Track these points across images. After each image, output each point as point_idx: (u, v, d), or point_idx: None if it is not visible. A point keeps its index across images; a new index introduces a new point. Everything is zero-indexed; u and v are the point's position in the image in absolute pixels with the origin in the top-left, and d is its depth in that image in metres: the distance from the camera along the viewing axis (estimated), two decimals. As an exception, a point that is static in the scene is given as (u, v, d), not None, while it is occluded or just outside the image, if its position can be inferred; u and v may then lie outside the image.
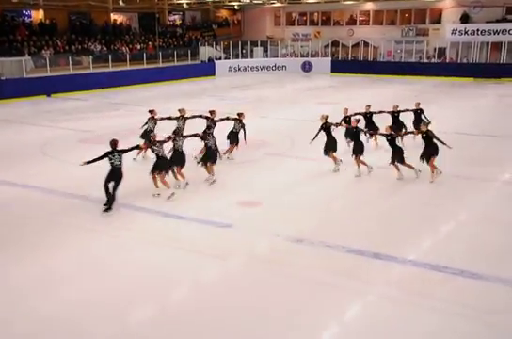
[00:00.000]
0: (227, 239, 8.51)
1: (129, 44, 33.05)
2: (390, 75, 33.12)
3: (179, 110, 13.67)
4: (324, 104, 18.51)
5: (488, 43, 32.49)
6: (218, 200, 10.39)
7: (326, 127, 12.24)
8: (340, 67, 35.39)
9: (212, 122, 12.67)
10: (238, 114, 13.11)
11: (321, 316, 6.36)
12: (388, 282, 7.18)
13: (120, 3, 30.56)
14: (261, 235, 8.67)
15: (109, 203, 9.68)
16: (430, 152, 11.33)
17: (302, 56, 37.72)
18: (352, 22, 38.96)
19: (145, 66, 30.58)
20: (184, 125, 13.55)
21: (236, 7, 40.18)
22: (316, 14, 40.30)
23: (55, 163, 13.38)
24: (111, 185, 9.75)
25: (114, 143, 10.08)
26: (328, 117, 12.28)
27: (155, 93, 26.78)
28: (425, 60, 34.27)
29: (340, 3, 36.36)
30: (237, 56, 36.46)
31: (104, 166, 10.00)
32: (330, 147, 12.32)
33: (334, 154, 12.38)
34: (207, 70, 34.23)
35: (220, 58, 36.19)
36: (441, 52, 34.06)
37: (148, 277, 7.27)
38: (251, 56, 37.01)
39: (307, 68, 36.49)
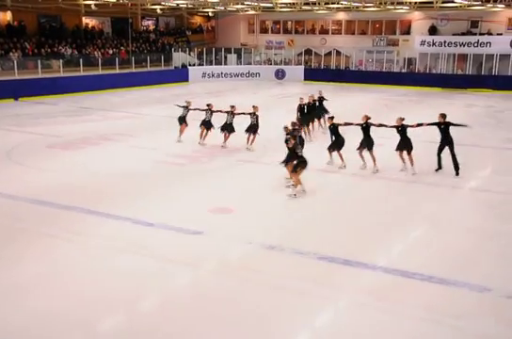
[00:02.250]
0: (198, 246, 8.41)
1: (101, 49, 32.72)
2: (361, 84, 33.52)
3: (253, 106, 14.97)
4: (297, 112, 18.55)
5: (454, 55, 33.36)
6: (190, 206, 10.29)
7: (333, 128, 12.85)
8: (313, 75, 35.70)
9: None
10: (253, 107, 14.82)
11: (292, 324, 6.32)
12: (358, 288, 7.18)
13: (93, 7, 30.25)
14: (232, 243, 8.60)
15: None
16: (405, 145, 12.43)
17: (276, 63, 37.91)
18: (325, 31, 39.37)
19: (117, 71, 30.29)
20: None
21: (210, 13, 40.22)
22: (290, 23, 40.59)
23: (21, 169, 13.04)
24: None
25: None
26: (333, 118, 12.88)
27: (127, 99, 26.55)
28: (396, 70, 34.83)
29: (313, 12, 36.71)
30: (211, 63, 36.42)
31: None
32: (336, 146, 12.91)
33: (341, 152, 12.87)
34: (180, 76, 34.08)
35: (194, 65, 36.10)
36: (410, 62, 34.69)
37: (116, 286, 7.11)
38: (225, 63, 37.01)
39: (280, 75, 36.69)
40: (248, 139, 14.97)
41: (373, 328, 6.25)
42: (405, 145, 12.53)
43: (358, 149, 12.88)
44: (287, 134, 11.56)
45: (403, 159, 12.70)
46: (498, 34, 33.25)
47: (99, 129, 17.92)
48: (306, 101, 16.95)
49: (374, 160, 12.71)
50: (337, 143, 12.92)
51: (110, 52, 32.90)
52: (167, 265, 7.75)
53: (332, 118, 13.01)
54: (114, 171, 12.67)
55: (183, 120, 15.86)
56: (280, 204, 10.50)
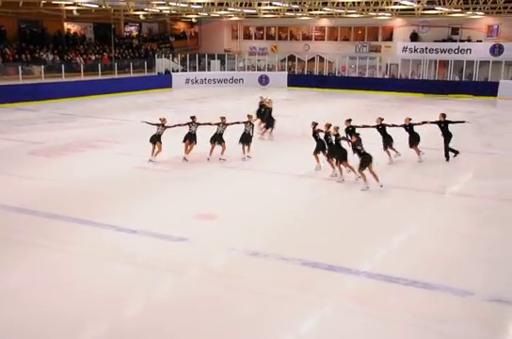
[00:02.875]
0: (182, 253, 8.39)
1: (83, 55, 32.55)
2: (344, 90, 33.74)
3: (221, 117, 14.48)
4: (281, 118, 18.63)
5: (435, 61, 33.76)
6: (173, 213, 10.26)
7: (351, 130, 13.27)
8: (296, 81, 35.86)
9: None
10: (248, 116, 14.60)
11: (277, 330, 6.32)
12: (343, 294, 7.21)
13: (74, 12, 30.06)
14: (216, 249, 8.59)
15: None
16: (415, 139, 14.27)
17: (259, 69, 37.99)
18: (308, 37, 39.60)
19: (100, 77, 30.12)
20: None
21: (194, 19, 40.20)
22: (273, 29, 40.77)
23: (2, 176, 12.86)
24: None
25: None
26: (338, 128, 12.67)
27: (110, 105, 26.42)
28: (379, 76, 35.15)
29: (296, 18, 36.90)
30: (194, 69, 36.39)
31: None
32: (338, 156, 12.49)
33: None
34: (164, 82, 34.01)
35: (177, 71, 36.04)
36: (391, 69, 35.03)
37: (99, 294, 7.05)
38: (208, 69, 37.00)
39: (264, 81, 36.78)
40: (244, 150, 14.55)
41: (357, 333, 6.27)
42: (415, 139, 14.31)
43: (384, 149, 14.05)
44: (336, 135, 12.38)
45: (418, 151, 14.39)
46: (478, 41, 33.76)
47: (82, 136, 17.80)
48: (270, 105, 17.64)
49: (396, 152, 14.30)
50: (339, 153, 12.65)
51: (93, 58, 32.73)
52: (150, 271, 7.71)
53: (350, 120, 13.63)
54: (97, 178, 12.59)
55: (157, 138, 13.98)
56: (264, 210, 10.51)
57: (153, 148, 14.13)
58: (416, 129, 14.34)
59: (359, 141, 11.81)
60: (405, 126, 14.27)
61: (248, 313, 6.65)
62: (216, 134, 14.36)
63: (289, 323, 6.46)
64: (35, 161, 14.23)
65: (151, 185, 12.20)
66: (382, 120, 14.02)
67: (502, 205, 11.09)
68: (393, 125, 14.08)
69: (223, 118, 14.48)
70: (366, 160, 11.62)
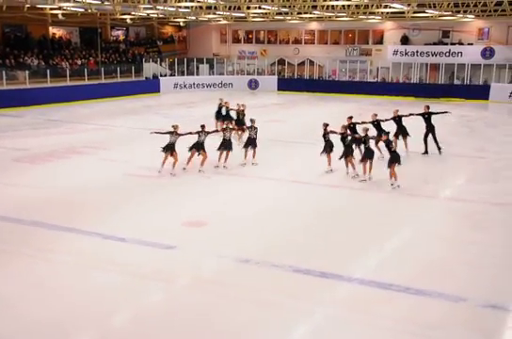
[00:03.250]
0: (171, 261, 8.38)
1: (69, 59, 32.49)
2: (335, 94, 33.90)
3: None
4: (271, 122, 18.72)
5: (426, 64, 34.09)
6: (161, 220, 10.24)
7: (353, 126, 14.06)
8: (286, 85, 35.99)
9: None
10: (251, 120, 14.60)
11: (269, 338, 6.32)
12: (335, 301, 7.23)
13: (60, 16, 29.95)
14: (206, 256, 8.58)
15: None
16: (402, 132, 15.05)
17: (248, 73, 38.10)
18: (298, 41, 39.80)
19: (86, 82, 30.08)
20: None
21: (182, 23, 40.17)
22: (262, 32, 40.93)
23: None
24: None
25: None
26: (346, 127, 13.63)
27: (97, 110, 26.36)
28: (370, 79, 35.34)
29: (286, 22, 37.05)
30: (183, 73, 36.43)
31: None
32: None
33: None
34: (151, 87, 34.00)
35: (165, 75, 36.05)
36: (382, 73, 35.23)
37: (87, 304, 7.01)
38: (197, 74, 37.05)
39: (253, 86, 36.87)
40: (246, 155, 14.45)
41: (349, 340, 6.28)
42: (402, 132, 15.29)
43: (376, 145, 14.30)
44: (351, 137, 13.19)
45: (406, 145, 15.28)
46: (469, 44, 34.09)
47: (67, 142, 17.73)
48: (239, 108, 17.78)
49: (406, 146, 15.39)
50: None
51: (79, 62, 32.69)
52: (139, 280, 7.69)
53: (351, 117, 14.41)
54: (84, 185, 12.54)
55: (171, 148, 13.32)
56: (255, 217, 10.51)
57: (165, 158, 13.35)
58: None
59: (390, 141, 12.68)
60: (394, 118, 15.35)
61: (240, 322, 6.64)
62: (225, 140, 14.16)
63: (281, 332, 6.46)
64: (19, 168, 14.15)
65: (138, 191, 12.18)
66: (376, 115, 15.04)
67: (494, 210, 11.18)
68: (386, 120, 15.21)
69: (231, 127, 15.03)
70: (395, 159, 12.31)
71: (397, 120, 15.43)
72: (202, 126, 13.82)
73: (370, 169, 12.91)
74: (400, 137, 15.54)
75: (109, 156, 15.61)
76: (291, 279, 7.81)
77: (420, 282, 7.69)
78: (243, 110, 17.17)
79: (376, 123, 14.91)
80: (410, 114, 15.52)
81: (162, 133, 13.60)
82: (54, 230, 9.57)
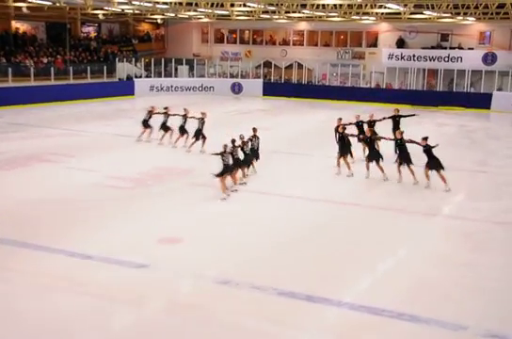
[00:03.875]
0: (143, 282, 8.29)
1: (34, 57, 32.32)
2: (325, 100, 34.09)
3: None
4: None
5: (424, 70, 34.41)
6: (134, 236, 10.16)
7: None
8: (272, 89, 36.14)
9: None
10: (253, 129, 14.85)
11: (248, 369, 6.28)
12: (322, 328, 7.20)
13: (24, 10, 29.84)
14: (182, 277, 8.52)
15: None
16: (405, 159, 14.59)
17: (232, 76, 38.22)
18: (285, 42, 40.09)
19: (53, 82, 29.93)
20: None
21: (159, 20, 40.36)
22: (247, 32, 41.17)
23: None
24: None
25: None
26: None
27: (64, 114, 26.21)
28: (363, 85, 35.61)
29: (272, 21, 37.35)
30: (160, 75, 36.43)
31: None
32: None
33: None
34: (125, 89, 33.94)
35: (140, 76, 36.03)
36: (376, 78, 35.56)
37: (46, 329, 6.90)
38: (175, 75, 37.10)
39: (236, 90, 36.98)
40: (246, 171, 14.20)
41: (338, 372, 6.25)
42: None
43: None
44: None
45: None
46: (469, 48, 34.59)
47: (30, 148, 17.59)
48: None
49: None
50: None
51: (45, 61, 32.53)
52: (107, 303, 7.60)
53: (341, 119, 15.75)
54: (47, 197, 12.42)
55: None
56: (236, 234, 10.48)
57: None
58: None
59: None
60: (369, 122, 16.80)
61: (217, 349, 6.59)
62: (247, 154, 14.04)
63: (263, 361, 6.42)
64: (-24, 177, 14.00)
65: (108, 204, 12.09)
66: (359, 116, 17.21)
67: (496, 229, 11.26)
68: (362, 122, 16.97)
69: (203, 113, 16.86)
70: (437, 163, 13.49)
71: (372, 124, 16.80)
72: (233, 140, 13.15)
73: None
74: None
75: (76, 165, 15.50)
76: (274, 303, 7.77)
77: (415, 307, 7.69)
78: (203, 118, 17.15)
79: (361, 124, 16.87)
80: (383, 118, 17.34)
81: (219, 154, 12.77)
82: (13, 246, 9.44)
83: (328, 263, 9.25)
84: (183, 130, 17.82)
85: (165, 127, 18.35)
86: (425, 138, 13.67)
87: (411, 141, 13.97)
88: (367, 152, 15.11)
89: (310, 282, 8.43)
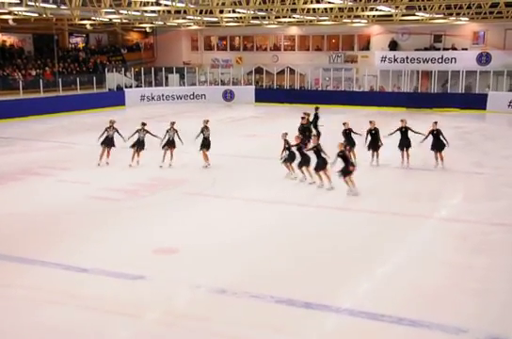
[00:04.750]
0: (139, 293, 8.34)
1: (22, 70, 32.38)
2: (318, 105, 34.05)
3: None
4: (249, 137, 18.84)
5: (418, 72, 34.63)
6: (128, 247, 10.22)
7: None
8: (264, 96, 36.25)
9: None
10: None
11: (248, 378, 6.33)
12: (322, 334, 7.27)
13: (10, 22, 29.84)
14: (178, 287, 8.58)
15: None
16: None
17: (223, 83, 38.37)
18: (276, 47, 40.27)
19: (42, 95, 29.99)
20: None
21: (148, 29, 40.40)
22: (237, 38, 41.35)
23: None
24: None
25: None
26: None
27: (54, 126, 26.26)
28: (356, 89, 35.77)
29: (263, 27, 37.51)
30: (150, 84, 36.56)
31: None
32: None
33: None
34: (116, 99, 34.02)
35: (131, 86, 36.13)
36: (369, 81, 35.73)
37: (45, 342, 6.96)
38: (166, 84, 37.19)
39: (228, 97, 37.11)
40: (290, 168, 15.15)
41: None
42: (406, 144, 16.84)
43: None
44: None
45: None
46: (463, 49, 34.80)
47: (20, 162, 17.63)
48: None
49: (408, 157, 16.63)
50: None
51: (33, 73, 32.62)
52: (103, 316, 7.64)
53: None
54: (40, 210, 12.46)
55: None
56: (232, 243, 10.53)
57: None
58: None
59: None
60: (400, 129, 16.83)
61: (216, 359, 6.64)
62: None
63: (262, 370, 6.47)
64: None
65: (102, 216, 12.14)
66: (346, 123, 17.37)
67: (494, 231, 11.34)
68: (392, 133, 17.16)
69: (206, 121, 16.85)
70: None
71: (403, 131, 16.66)
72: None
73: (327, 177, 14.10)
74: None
75: (69, 177, 15.55)
76: (272, 311, 7.82)
77: (415, 311, 7.76)
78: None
79: (404, 130, 16.71)
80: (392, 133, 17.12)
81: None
82: (7, 261, 9.48)
83: (326, 269, 9.32)
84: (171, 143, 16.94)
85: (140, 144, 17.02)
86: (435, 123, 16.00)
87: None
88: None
89: (308, 288, 8.49)
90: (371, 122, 16.76)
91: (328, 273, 9.15)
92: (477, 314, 7.82)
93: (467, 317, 7.67)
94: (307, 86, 37.41)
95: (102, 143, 16.99)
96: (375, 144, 16.56)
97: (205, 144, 16.52)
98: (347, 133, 17.07)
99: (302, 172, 14.73)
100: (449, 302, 8.11)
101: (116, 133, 17.16)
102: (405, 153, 16.62)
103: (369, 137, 16.56)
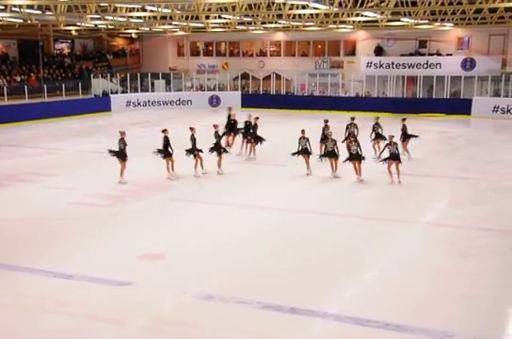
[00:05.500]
0: (126, 300, 8.34)
1: (7, 76, 32.23)
2: (305, 110, 34.29)
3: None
4: (235, 143, 18.92)
5: (403, 77, 34.89)
6: (114, 254, 10.20)
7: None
8: (251, 101, 36.24)
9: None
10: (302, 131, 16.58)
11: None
12: (308, 339, 7.29)
13: (-5, 28, 29.88)
14: (165, 293, 8.58)
15: None
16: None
17: (209, 89, 38.37)
18: (262, 53, 40.37)
19: (27, 101, 29.85)
20: None
21: (134, 35, 40.43)
22: (223, 44, 41.41)
23: None
24: None
25: None
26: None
27: (40, 132, 26.14)
28: (342, 94, 35.96)
29: (249, 32, 37.60)
30: (136, 90, 36.47)
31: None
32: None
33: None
34: (101, 105, 33.92)
35: (117, 92, 36.05)
36: (355, 87, 35.93)
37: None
38: (152, 90, 37.14)
39: (215, 102, 37.12)
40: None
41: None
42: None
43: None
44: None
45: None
46: (448, 54, 35.11)
47: (6, 168, 17.55)
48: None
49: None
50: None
51: (18, 79, 32.46)
52: (90, 323, 7.62)
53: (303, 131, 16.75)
54: (25, 217, 12.41)
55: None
56: (218, 248, 10.55)
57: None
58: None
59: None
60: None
61: (203, 366, 6.64)
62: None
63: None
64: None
65: (88, 222, 12.11)
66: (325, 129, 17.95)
67: (481, 235, 11.43)
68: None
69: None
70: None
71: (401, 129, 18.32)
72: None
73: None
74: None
75: (54, 183, 15.50)
76: (259, 316, 7.85)
77: (401, 316, 7.82)
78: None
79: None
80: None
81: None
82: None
83: (312, 274, 9.36)
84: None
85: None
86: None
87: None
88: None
89: (294, 294, 8.53)
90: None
91: (314, 278, 9.19)
92: (464, 319, 7.87)
93: (453, 322, 7.71)
94: (293, 91, 37.55)
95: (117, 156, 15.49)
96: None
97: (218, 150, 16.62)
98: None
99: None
100: (436, 307, 8.17)
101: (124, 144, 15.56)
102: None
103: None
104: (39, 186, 15.26)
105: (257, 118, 19.59)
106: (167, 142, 15.82)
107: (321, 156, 16.21)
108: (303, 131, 16.55)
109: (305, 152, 16.37)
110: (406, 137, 18.66)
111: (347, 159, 15.61)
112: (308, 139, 16.35)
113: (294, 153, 16.46)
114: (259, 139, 19.00)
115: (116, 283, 8.84)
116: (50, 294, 8.53)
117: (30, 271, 9.33)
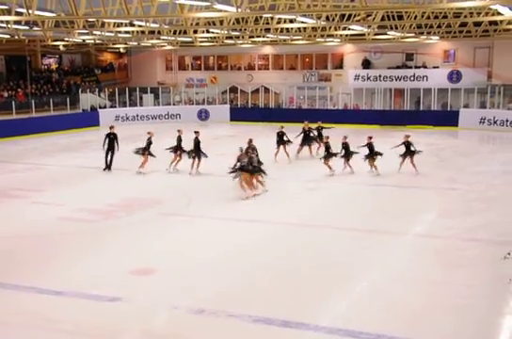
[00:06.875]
0: (116, 315, 8.29)
1: (-6, 91, 32.24)
2: (293, 123, 34.31)
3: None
4: (224, 156, 18.87)
5: (390, 90, 35.22)
6: (104, 268, 10.16)
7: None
8: (239, 115, 36.43)
9: None
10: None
11: None
12: (300, 353, 7.28)
13: (-18, 44, 29.91)
14: (156, 308, 8.54)
15: None
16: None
17: (198, 103, 38.48)
18: (251, 66, 40.63)
19: (14, 116, 29.80)
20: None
21: (122, 49, 40.57)
22: (212, 58, 41.63)
23: None
24: None
25: None
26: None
27: (28, 148, 26.05)
28: (330, 107, 36.17)
29: (237, 46, 37.83)
30: (124, 105, 36.49)
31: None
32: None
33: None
34: (90, 120, 33.86)
35: (105, 107, 36.06)
36: (343, 100, 36.16)
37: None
38: (141, 104, 37.17)
39: (203, 116, 37.21)
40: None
41: None
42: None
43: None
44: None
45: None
46: (434, 67, 35.51)
47: (-6, 184, 17.47)
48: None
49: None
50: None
51: (5, 95, 32.43)
52: (80, 339, 7.58)
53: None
54: (14, 233, 12.35)
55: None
56: (209, 262, 10.54)
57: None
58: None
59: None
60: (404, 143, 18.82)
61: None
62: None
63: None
64: None
65: (78, 237, 12.06)
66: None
67: (470, 246, 11.49)
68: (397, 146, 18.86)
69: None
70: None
71: (406, 145, 18.43)
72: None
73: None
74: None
75: (43, 199, 15.43)
76: (251, 330, 7.84)
77: (393, 328, 7.83)
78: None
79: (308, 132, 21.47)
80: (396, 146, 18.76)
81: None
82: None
83: (304, 287, 9.36)
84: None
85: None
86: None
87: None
88: None
89: (285, 307, 8.52)
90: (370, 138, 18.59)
91: (305, 291, 9.19)
92: (452, 329, 7.90)
93: (442, 332, 7.75)
94: (281, 104, 37.73)
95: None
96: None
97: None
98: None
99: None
100: (427, 319, 8.19)
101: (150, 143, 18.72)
102: (408, 160, 18.41)
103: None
104: (28, 203, 15.19)
105: (196, 132, 19.27)
106: (197, 143, 18.30)
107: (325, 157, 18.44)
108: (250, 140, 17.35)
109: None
110: (372, 154, 18.39)
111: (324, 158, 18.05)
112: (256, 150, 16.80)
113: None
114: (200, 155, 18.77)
115: (106, 299, 8.80)
116: (38, 310, 8.47)
117: (20, 289, 9.27)
